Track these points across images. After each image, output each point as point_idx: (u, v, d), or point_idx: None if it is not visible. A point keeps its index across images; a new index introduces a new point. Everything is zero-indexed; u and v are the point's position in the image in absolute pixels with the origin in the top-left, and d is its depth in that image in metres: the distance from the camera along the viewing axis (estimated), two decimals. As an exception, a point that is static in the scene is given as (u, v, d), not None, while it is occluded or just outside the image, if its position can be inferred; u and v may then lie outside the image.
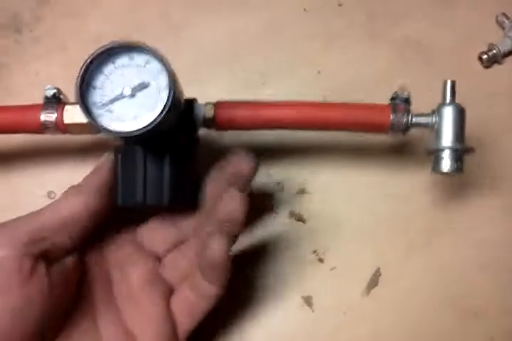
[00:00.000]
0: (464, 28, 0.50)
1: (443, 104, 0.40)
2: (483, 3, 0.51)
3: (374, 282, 0.45)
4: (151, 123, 0.33)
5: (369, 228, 0.46)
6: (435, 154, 0.39)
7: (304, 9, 0.52)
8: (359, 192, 0.47)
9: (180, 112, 0.37)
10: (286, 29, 0.51)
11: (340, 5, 0.52)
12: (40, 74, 0.51)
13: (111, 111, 0.35)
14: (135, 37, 0.50)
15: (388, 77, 0.49)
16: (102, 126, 0.34)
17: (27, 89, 0.50)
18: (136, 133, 0.33)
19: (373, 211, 0.46)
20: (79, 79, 0.35)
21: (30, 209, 0.46)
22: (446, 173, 0.38)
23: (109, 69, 0.35)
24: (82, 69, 0.35)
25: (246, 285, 0.45)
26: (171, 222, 0.40)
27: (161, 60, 0.35)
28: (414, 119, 0.39)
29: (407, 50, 0.50)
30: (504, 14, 0.50)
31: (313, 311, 0.45)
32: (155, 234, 0.40)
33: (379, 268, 0.45)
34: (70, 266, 0.36)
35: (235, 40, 0.51)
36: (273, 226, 0.46)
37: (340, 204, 0.47)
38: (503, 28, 0.49)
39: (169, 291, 0.38)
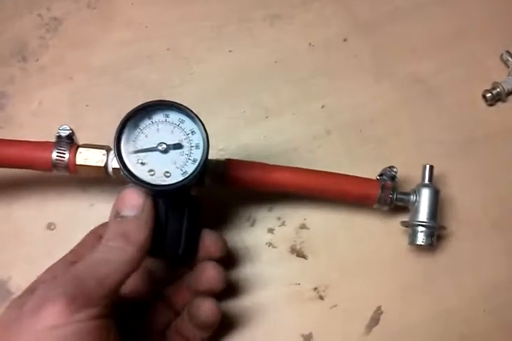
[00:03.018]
0: (468, 66, 0.51)
1: (422, 185, 0.44)
2: (487, 42, 0.51)
3: (375, 320, 0.44)
4: (182, 180, 0.35)
5: (370, 266, 0.45)
6: (412, 228, 0.43)
7: (310, 44, 0.52)
8: (360, 230, 0.46)
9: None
10: (292, 63, 0.51)
11: (345, 40, 0.52)
12: (43, 104, 0.51)
13: (143, 164, 0.36)
14: (141, 68, 0.52)
15: (392, 114, 0.50)
16: (136, 177, 0.35)
17: (30, 119, 0.50)
18: (166, 188, 0.35)
19: (375, 249, 0.46)
20: (117, 131, 0.35)
21: (31, 240, 0.46)
22: (420, 246, 0.43)
23: (145, 123, 0.36)
24: (121, 123, 0.36)
25: (244, 323, 0.44)
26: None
27: (196, 120, 0.36)
28: (398, 196, 0.43)
29: (411, 88, 0.50)
30: (508, 52, 0.50)
31: (313, 350, 0.44)
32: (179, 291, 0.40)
33: (380, 307, 0.45)
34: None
35: (241, 74, 0.51)
36: (273, 261, 0.46)
37: (341, 241, 0.46)
38: (508, 67, 0.50)
39: None
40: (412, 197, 0.44)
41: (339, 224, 0.47)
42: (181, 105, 0.36)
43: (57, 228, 0.47)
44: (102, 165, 0.39)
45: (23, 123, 0.50)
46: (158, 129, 0.36)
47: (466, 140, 0.49)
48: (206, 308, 0.37)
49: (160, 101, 0.36)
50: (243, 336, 0.44)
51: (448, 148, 0.49)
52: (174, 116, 0.37)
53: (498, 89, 0.48)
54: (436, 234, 0.44)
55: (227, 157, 0.47)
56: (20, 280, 0.45)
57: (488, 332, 0.44)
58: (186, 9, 0.53)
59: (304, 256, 0.46)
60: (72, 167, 0.40)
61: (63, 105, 0.50)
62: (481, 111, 0.50)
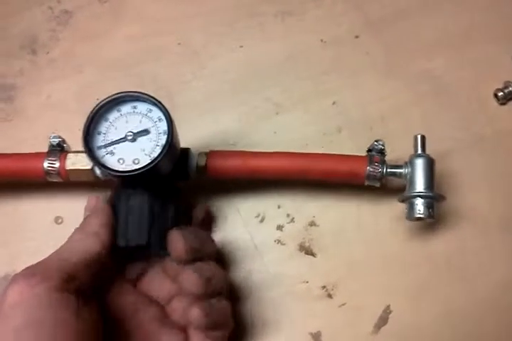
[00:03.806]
0: (480, 65, 0.50)
1: (414, 155, 0.42)
2: (499, 41, 0.51)
3: (384, 320, 0.44)
4: (148, 164, 0.36)
5: (380, 264, 0.45)
6: (408, 201, 0.42)
7: (321, 40, 0.52)
8: (369, 227, 0.46)
9: (175, 159, 0.40)
10: (303, 59, 0.51)
11: (356, 37, 0.52)
12: (52, 97, 0.51)
13: (112, 153, 0.38)
14: (152, 63, 0.51)
15: (403, 111, 0.49)
16: (104, 166, 0.37)
17: (37, 112, 0.50)
18: (133, 173, 0.36)
19: (384, 247, 0.46)
20: (86, 125, 0.38)
21: (37, 233, 0.46)
22: (419, 219, 0.41)
23: (114, 116, 0.39)
24: (90, 117, 0.38)
25: (252, 321, 0.44)
26: (167, 275, 0.41)
27: (162, 108, 0.38)
28: (388, 170, 0.42)
29: (423, 85, 0.50)
30: (520, 52, 0.50)
31: (321, 348, 0.44)
32: (155, 285, 0.41)
33: (389, 306, 0.44)
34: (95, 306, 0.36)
35: (252, 69, 0.51)
36: (282, 259, 0.45)
37: (351, 239, 0.46)
38: (520, 66, 0.49)
39: (184, 334, 0.38)
40: (405, 170, 0.42)
41: (349, 221, 0.46)
42: (146, 94, 0.38)
43: (64, 222, 0.46)
44: (89, 167, 0.41)
45: (31, 115, 0.50)
46: (127, 120, 0.39)
47: (476, 138, 0.48)
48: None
49: (126, 92, 0.38)
50: (251, 334, 0.43)
51: (458, 146, 0.48)
52: (142, 106, 0.39)
53: (510, 88, 0.48)
54: (436, 205, 0.42)
55: None
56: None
57: (497, 332, 0.44)
58: (198, 3, 0.53)
59: (312, 254, 0.46)
60: (63, 173, 0.42)
61: (72, 98, 0.50)
62: (492, 110, 0.49)
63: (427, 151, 0.43)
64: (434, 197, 0.41)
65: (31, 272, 0.34)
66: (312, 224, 0.46)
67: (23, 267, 0.43)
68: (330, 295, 0.44)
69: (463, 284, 0.45)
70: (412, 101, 0.50)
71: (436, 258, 0.45)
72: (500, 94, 0.48)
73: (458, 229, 0.46)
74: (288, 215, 0.47)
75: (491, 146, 0.48)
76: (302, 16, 0.52)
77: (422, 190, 0.41)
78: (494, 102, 0.49)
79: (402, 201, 0.43)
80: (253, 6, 0.53)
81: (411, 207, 0.41)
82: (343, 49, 0.51)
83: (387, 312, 0.44)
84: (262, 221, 0.47)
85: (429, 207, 0.41)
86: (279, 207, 0.47)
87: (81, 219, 0.43)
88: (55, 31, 0.53)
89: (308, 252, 0.46)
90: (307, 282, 0.45)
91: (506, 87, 0.48)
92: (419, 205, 0.41)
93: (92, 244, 0.37)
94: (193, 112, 0.50)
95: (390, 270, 0.45)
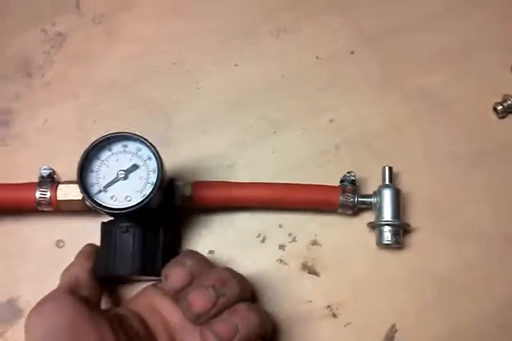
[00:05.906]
0: (478, 79, 0.50)
1: (382, 186, 0.45)
2: (497, 54, 0.51)
3: (390, 338, 0.44)
4: (140, 202, 0.39)
5: (383, 283, 0.45)
6: (378, 229, 0.44)
7: (317, 57, 0.52)
8: (372, 246, 0.45)
9: (164, 193, 0.42)
10: (299, 77, 0.51)
11: (352, 53, 0.52)
12: (49, 121, 0.50)
13: (106, 191, 0.40)
14: (147, 83, 0.51)
15: (401, 128, 0.49)
16: (98, 204, 0.39)
17: (36, 136, 0.50)
18: (126, 211, 0.39)
19: (387, 266, 0.45)
20: (79, 164, 0.40)
21: (39, 257, 0.46)
22: (387, 245, 0.44)
23: (105, 155, 0.41)
24: (83, 157, 0.40)
25: None
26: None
27: (151, 147, 0.40)
28: (359, 199, 0.45)
29: (420, 101, 0.50)
30: (518, 64, 0.50)
31: (326, 369, 0.43)
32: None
33: (394, 325, 0.44)
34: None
35: (248, 88, 0.51)
36: (284, 278, 0.45)
37: (354, 258, 0.45)
38: (518, 79, 0.49)
39: None
40: (374, 199, 0.45)
41: (351, 240, 0.46)
42: (136, 135, 0.40)
43: (65, 245, 0.46)
44: (80, 198, 0.43)
45: (29, 140, 0.50)
46: (117, 159, 0.41)
47: (476, 153, 0.48)
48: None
49: (117, 133, 0.40)
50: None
51: (458, 161, 0.48)
52: (132, 146, 0.41)
53: (509, 102, 0.48)
54: (402, 232, 0.44)
55: (234, 174, 0.48)
56: (29, 298, 0.45)
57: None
58: (192, 23, 0.53)
59: (315, 273, 0.45)
60: (54, 203, 0.44)
61: (69, 121, 0.50)
62: (491, 124, 0.49)
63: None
64: (401, 225, 0.44)
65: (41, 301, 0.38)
66: (314, 243, 0.46)
67: (27, 292, 0.45)
68: (334, 315, 0.44)
69: (467, 300, 0.44)
70: (410, 117, 0.49)
71: (440, 276, 0.45)
72: (500, 107, 0.48)
73: (461, 245, 0.45)
74: (290, 234, 0.46)
75: (492, 160, 0.48)
76: (297, 33, 0.52)
77: (390, 219, 0.44)
78: (493, 116, 0.49)
79: (373, 228, 0.45)
80: (248, 25, 0.52)
81: (380, 234, 0.44)
82: (338, 65, 0.51)
83: (393, 330, 0.44)
84: (263, 241, 0.46)
85: (396, 234, 0.44)
86: (280, 226, 0.47)
87: (82, 243, 0.44)
88: (50, 54, 0.53)
89: (311, 271, 0.45)
90: (311, 301, 0.44)
91: (505, 101, 0.48)
92: (387, 233, 0.44)
93: (82, 270, 0.41)
94: (189, 133, 0.49)
95: (395, 288, 0.45)
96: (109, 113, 0.50)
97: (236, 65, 0.52)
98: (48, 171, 0.45)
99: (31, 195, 0.43)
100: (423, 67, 0.51)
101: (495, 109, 0.48)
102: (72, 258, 0.43)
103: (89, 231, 0.45)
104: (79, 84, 0.51)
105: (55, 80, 0.52)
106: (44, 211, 0.44)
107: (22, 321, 0.44)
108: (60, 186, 0.44)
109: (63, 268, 0.42)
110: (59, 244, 0.46)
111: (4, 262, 0.46)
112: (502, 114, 0.48)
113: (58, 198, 0.43)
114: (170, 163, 0.43)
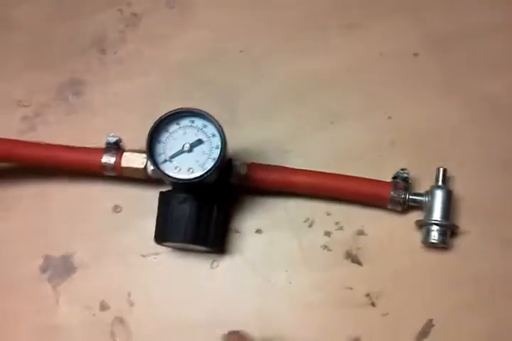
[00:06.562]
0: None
1: (435, 186, 0.46)
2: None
3: (425, 333, 0.44)
4: (201, 175, 0.41)
5: (425, 278, 0.45)
6: (425, 228, 0.45)
7: (380, 54, 0.53)
8: (417, 241, 0.46)
9: (221, 169, 0.44)
10: (362, 71, 0.52)
11: (415, 54, 0.53)
12: (118, 95, 0.53)
13: (171, 161, 0.42)
14: (214, 68, 0.53)
15: (458, 131, 0.49)
16: (163, 172, 0.42)
17: (104, 108, 0.53)
18: (188, 182, 0.41)
19: (431, 261, 0.46)
20: (149, 134, 0.42)
21: (96, 219, 0.48)
22: (433, 244, 0.45)
23: (173, 128, 0.43)
24: (153, 127, 0.42)
25: (294, 321, 0.45)
26: None
27: (217, 125, 0.42)
28: (410, 197, 0.45)
29: (481, 105, 0.50)
30: None
31: (360, 355, 0.44)
32: None
33: (432, 320, 0.44)
34: None
35: (311, 80, 0.52)
36: (327, 264, 0.46)
37: (398, 251, 0.46)
38: None
39: None
40: (425, 198, 0.45)
41: (397, 236, 0.47)
42: (204, 112, 0.42)
43: (122, 211, 0.48)
44: (143, 166, 0.45)
45: (97, 111, 0.52)
46: (185, 132, 0.43)
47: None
48: None
49: (187, 108, 0.43)
50: (293, 335, 0.44)
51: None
52: (198, 122, 0.43)
53: None
54: (450, 233, 0.45)
55: (291, 160, 0.49)
56: (83, 257, 0.47)
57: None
58: (263, 13, 0.55)
59: (359, 262, 0.46)
60: (118, 169, 0.45)
61: (138, 97, 0.52)
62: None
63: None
64: (449, 226, 0.45)
65: None
66: (361, 233, 0.47)
67: (81, 250, 0.47)
68: (373, 304, 0.45)
69: (508, 304, 0.44)
70: (469, 121, 0.50)
71: (482, 279, 0.45)
72: (559, 117, 0.48)
73: (503, 251, 0.45)
74: (337, 223, 0.47)
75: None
76: (365, 30, 0.53)
77: (439, 219, 0.44)
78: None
79: (420, 226, 0.46)
80: (317, 18, 0.54)
81: (427, 233, 0.45)
82: (401, 64, 0.52)
83: (429, 325, 0.44)
84: (310, 225, 0.47)
85: (443, 234, 0.44)
86: (328, 214, 0.48)
87: (138, 210, 0.47)
88: (124, 33, 0.56)
89: (355, 260, 0.46)
90: (351, 288, 0.45)
91: None
92: (435, 232, 0.44)
93: None
94: (251, 118, 0.51)
95: (435, 284, 0.45)
96: (175, 93, 0.53)
97: (302, 57, 0.53)
98: (115, 138, 0.46)
99: (98, 159, 0.45)
100: (487, 72, 0.51)
101: (556, 119, 0.49)
102: (127, 224, 0.45)
103: (146, 200, 0.47)
104: (150, 64, 0.54)
105: (127, 58, 0.54)
106: (107, 176, 0.47)
107: (74, 277, 0.47)
108: (125, 153, 0.46)
109: (118, 232, 0.44)
110: (116, 209, 0.49)
111: (65, 219, 0.49)
112: (562, 123, 0.48)
113: (122, 165, 0.45)
114: (230, 143, 0.44)
